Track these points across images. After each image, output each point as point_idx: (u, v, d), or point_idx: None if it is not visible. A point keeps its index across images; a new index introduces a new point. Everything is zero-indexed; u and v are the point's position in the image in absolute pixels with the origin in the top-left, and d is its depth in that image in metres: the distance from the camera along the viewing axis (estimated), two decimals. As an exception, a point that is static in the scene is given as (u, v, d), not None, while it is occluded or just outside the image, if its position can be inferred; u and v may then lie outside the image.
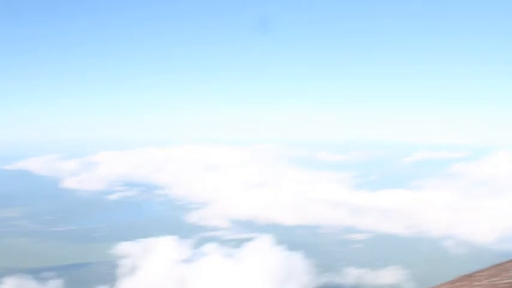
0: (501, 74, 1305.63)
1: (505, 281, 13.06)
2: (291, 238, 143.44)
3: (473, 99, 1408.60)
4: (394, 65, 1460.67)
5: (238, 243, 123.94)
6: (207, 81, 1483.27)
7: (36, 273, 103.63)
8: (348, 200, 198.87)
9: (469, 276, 14.37)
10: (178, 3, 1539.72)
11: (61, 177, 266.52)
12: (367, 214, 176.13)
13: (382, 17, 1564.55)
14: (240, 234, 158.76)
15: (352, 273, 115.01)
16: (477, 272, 14.63)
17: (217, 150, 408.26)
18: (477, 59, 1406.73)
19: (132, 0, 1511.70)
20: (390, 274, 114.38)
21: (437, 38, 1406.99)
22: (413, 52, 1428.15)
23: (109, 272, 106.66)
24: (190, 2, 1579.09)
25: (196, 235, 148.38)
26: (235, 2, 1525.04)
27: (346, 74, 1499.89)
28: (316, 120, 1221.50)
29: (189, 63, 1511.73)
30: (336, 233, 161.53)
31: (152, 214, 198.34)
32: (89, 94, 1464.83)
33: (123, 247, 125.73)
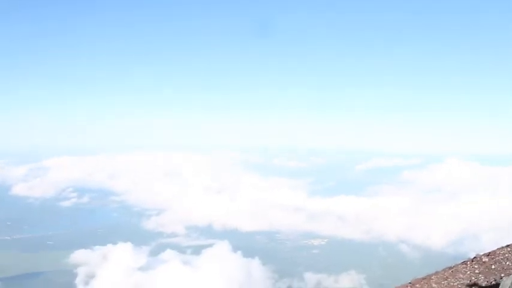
0: (452, 83, 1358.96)
1: (461, 282, 14.39)
2: (249, 244, 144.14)
3: (424, 108, 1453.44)
4: (350, 74, 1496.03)
5: (196, 249, 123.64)
6: (164, 88, 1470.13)
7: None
8: (304, 206, 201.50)
9: (426, 279, 15.63)
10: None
11: (10, 184, 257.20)
12: (324, 220, 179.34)
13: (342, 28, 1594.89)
14: (197, 240, 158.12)
15: (311, 279, 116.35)
16: (433, 274, 15.91)
17: (175, 156, 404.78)
18: (432, 68, 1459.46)
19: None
20: (348, 279, 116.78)
21: (394, 48, 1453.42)
22: (369, 60, 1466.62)
23: (65, 281, 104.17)
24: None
25: (154, 242, 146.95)
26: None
27: (303, 82, 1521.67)
28: (272, 126, 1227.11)
29: (148, 69, 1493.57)
30: (294, 238, 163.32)
31: (108, 221, 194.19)
32: (39, 99, 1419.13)
33: (79, 255, 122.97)
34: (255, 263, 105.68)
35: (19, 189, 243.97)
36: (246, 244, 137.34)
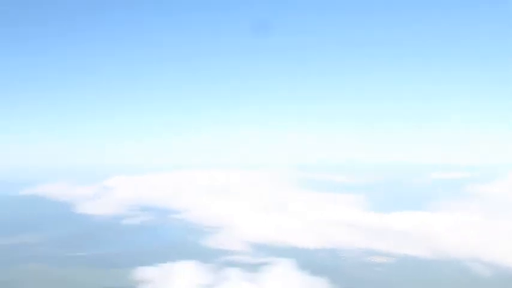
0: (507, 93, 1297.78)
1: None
2: (311, 262, 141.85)
3: (481, 118, 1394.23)
4: (403, 86, 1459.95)
5: (258, 267, 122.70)
6: (217, 107, 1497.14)
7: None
8: (362, 222, 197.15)
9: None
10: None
11: (76, 203, 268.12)
12: (385, 236, 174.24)
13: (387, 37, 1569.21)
14: (258, 258, 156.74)
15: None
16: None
17: (233, 173, 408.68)
18: (487, 79, 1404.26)
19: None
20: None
21: (441, 56, 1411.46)
22: (422, 73, 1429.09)
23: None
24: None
25: (215, 259, 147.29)
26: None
27: (356, 95, 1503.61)
28: (325, 142, 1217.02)
29: (201, 89, 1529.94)
30: (356, 256, 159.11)
31: (169, 238, 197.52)
32: (101, 120, 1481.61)
33: (143, 272, 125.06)
34: (319, 281, 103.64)
35: (85, 208, 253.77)
36: (308, 261, 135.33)
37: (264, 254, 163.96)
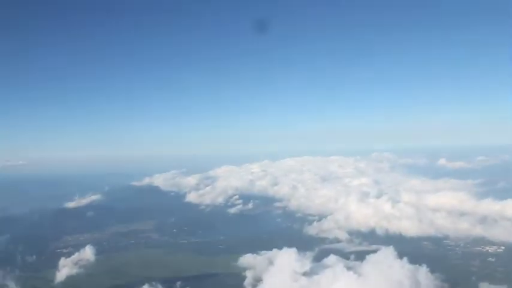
0: None
1: None
2: (415, 250, 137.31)
3: None
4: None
5: (360, 255, 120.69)
6: (320, 94, 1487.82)
7: (168, 282, 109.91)
8: (474, 209, 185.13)
9: None
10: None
11: (184, 192, 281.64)
12: (498, 225, 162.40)
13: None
14: (360, 246, 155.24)
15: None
16: None
17: (333, 160, 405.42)
18: None
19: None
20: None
21: None
22: None
23: (235, 283, 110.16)
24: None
25: (317, 247, 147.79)
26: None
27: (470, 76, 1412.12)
28: (435, 125, 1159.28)
29: (303, 78, 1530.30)
30: (465, 245, 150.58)
31: (271, 226, 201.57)
32: (209, 113, 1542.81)
33: (246, 259, 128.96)
34: (423, 271, 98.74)
35: (192, 197, 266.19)
36: (412, 250, 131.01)
37: (366, 241, 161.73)
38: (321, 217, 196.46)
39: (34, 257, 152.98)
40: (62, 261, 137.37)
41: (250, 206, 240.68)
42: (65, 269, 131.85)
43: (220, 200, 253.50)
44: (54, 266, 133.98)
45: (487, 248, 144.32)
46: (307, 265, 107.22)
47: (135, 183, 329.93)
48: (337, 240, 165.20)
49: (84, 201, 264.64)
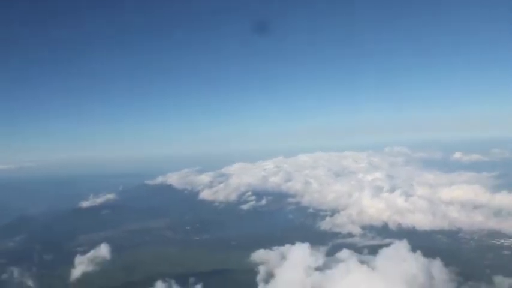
0: None
1: None
2: (428, 244, 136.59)
3: None
4: None
5: (373, 249, 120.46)
6: (331, 89, 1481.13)
7: (181, 278, 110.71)
8: (488, 202, 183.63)
9: None
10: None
11: (198, 190, 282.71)
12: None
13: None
14: (373, 240, 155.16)
15: (502, 283, 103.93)
16: None
17: (346, 156, 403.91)
18: None
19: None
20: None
21: None
22: None
23: (248, 278, 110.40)
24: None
25: (330, 242, 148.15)
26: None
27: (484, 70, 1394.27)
28: (450, 118, 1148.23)
29: (319, 75, 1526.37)
30: (479, 238, 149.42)
31: (284, 222, 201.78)
32: (222, 111, 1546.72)
33: (259, 254, 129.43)
34: (437, 264, 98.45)
35: (206, 195, 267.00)
36: (425, 244, 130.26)
37: (379, 235, 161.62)
38: (334, 212, 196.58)
39: (51, 255, 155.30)
40: (78, 258, 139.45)
41: (263, 202, 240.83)
42: (81, 266, 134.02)
43: (233, 197, 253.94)
44: (71, 264, 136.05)
45: (502, 241, 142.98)
46: (321, 259, 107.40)
47: (149, 182, 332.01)
48: (350, 235, 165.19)
49: (98, 200, 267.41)
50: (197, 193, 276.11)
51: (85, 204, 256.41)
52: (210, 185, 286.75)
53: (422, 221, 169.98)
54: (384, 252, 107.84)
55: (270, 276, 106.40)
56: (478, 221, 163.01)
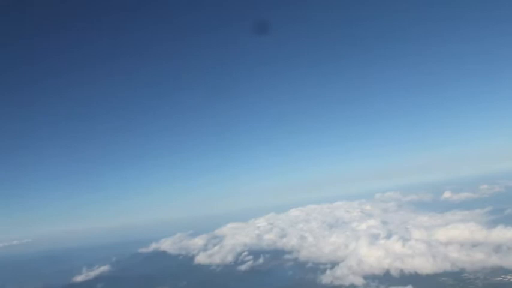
0: None
1: None
2: (434, 287, 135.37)
3: None
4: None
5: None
6: (313, 144, 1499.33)
7: None
8: (485, 238, 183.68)
9: None
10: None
11: (193, 254, 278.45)
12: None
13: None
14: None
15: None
16: None
17: (338, 206, 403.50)
18: None
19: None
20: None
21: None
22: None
23: None
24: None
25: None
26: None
27: (462, 110, 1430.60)
28: (435, 160, 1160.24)
29: (301, 128, 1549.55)
30: (483, 277, 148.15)
31: (285, 280, 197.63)
32: (208, 173, 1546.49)
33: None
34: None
35: (201, 258, 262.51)
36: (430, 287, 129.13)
37: (382, 284, 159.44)
38: (333, 264, 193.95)
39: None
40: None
41: (260, 261, 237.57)
42: None
43: (229, 258, 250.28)
44: None
45: (508, 277, 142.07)
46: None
47: (143, 250, 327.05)
48: (354, 287, 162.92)
49: (92, 273, 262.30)
50: (192, 257, 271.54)
51: (79, 278, 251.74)
52: (205, 248, 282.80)
53: (423, 264, 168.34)
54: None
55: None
56: (479, 259, 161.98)
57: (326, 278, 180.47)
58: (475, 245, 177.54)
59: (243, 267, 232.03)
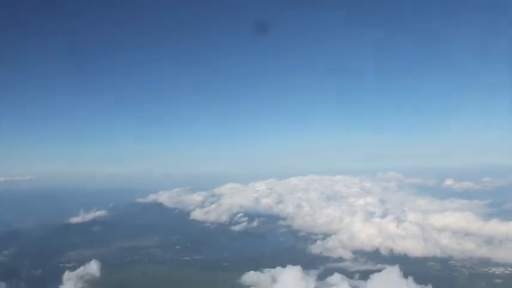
0: None
1: None
2: (420, 270, 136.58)
3: None
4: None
5: (364, 274, 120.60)
6: (326, 114, 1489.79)
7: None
8: (479, 230, 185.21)
9: None
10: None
11: (189, 209, 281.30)
12: (505, 246, 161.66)
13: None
14: (365, 265, 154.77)
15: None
16: None
17: (339, 180, 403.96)
18: None
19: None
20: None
21: None
22: None
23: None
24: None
25: (321, 266, 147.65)
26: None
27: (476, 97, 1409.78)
28: (441, 146, 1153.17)
29: (301, 95, 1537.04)
30: (470, 266, 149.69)
31: (276, 245, 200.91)
32: (215, 131, 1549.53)
33: (250, 277, 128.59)
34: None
35: (197, 214, 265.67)
36: (417, 270, 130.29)
37: (370, 261, 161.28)
38: (326, 236, 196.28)
39: (39, 271, 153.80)
40: (67, 275, 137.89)
41: (255, 224, 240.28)
42: (70, 283, 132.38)
43: (224, 217, 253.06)
44: (59, 281, 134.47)
45: (493, 270, 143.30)
46: (312, 283, 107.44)
47: (140, 199, 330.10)
48: (342, 259, 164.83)
49: (89, 216, 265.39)
50: (188, 213, 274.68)
51: (76, 219, 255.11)
52: (202, 205, 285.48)
53: (413, 247, 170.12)
54: (375, 277, 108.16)
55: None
56: (469, 248, 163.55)
57: (316, 248, 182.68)
58: (467, 234, 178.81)
59: (236, 228, 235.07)
